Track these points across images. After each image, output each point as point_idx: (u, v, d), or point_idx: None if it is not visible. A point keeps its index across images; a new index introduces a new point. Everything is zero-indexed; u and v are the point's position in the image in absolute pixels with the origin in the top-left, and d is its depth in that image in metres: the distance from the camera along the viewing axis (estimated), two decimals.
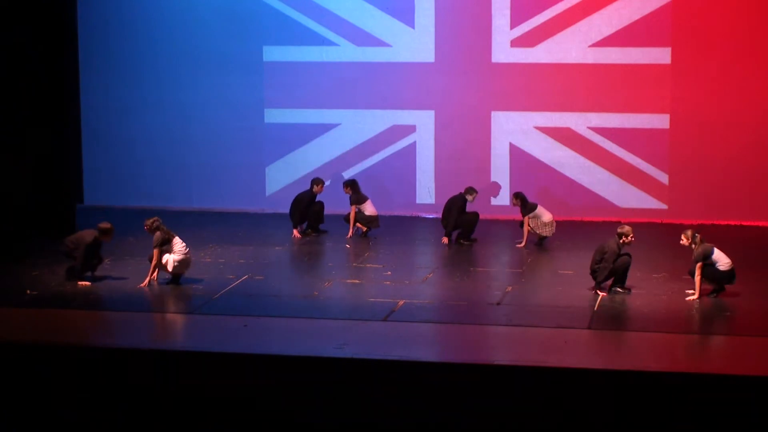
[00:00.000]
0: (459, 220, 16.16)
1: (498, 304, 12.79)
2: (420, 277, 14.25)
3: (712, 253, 12.81)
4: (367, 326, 11.99)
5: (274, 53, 18.48)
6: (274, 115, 18.62)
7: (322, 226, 16.92)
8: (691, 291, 12.88)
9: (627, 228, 13.16)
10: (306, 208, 16.71)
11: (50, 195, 16.49)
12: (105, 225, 13.66)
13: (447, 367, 10.61)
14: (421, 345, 11.43)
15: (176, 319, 12.61)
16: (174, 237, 13.51)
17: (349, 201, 16.70)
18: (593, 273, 13.18)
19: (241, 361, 10.75)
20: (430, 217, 18.17)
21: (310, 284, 13.93)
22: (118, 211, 17.43)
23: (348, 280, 14.14)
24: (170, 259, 13.43)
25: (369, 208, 16.67)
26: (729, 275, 12.89)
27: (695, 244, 12.89)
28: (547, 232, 15.93)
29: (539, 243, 15.99)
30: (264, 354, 10.92)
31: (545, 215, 15.94)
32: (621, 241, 13.07)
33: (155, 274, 13.47)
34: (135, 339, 11.92)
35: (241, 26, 18.45)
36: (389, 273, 14.31)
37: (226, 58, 18.53)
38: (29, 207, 16.24)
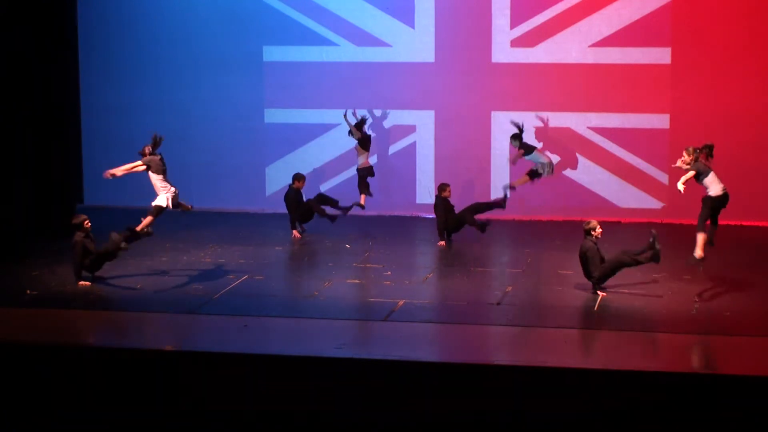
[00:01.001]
0: (451, 220, 16.14)
1: (498, 304, 12.79)
2: (420, 277, 14.25)
3: (705, 174, 12.88)
4: (367, 326, 11.99)
5: (274, 53, 18.48)
6: (274, 115, 18.62)
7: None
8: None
9: (593, 222, 13.23)
10: (296, 206, 16.72)
11: (50, 195, 16.50)
12: (75, 219, 13.71)
13: (447, 367, 10.61)
14: (421, 345, 11.43)
15: (176, 319, 12.60)
16: (164, 173, 13.76)
17: (360, 144, 17.04)
18: (589, 277, 13.17)
19: (241, 361, 10.75)
20: (430, 217, 18.13)
21: (310, 284, 13.93)
22: (119, 211, 17.41)
23: (348, 280, 14.14)
24: (160, 200, 13.58)
25: (363, 160, 16.97)
26: (720, 200, 12.95)
27: (696, 160, 12.96)
28: (546, 172, 16.17)
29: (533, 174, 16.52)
30: (264, 354, 10.92)
31: (542, 157, 16.18)
32: (593, 236, 13.09)
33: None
34: (135, 339, 11.94)
35: (241, 26, 18.46)
36: (389, 273, 14.31)
37: (226, 58, 18.53)
38: (29, 207, 16.25)
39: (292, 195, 16.79)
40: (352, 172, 17.94)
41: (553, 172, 16.63)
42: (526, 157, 16.57)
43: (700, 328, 11.98)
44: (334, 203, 16.97)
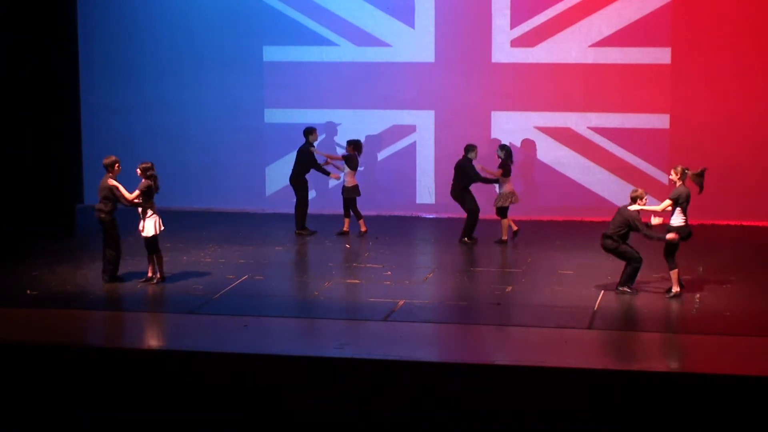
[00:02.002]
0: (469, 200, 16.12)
1: (498, 304, 12.79)
2: (420, 277, 14.25)
3: (682, 203, 12.80)
4: (367, 326, 11.99)
5: (274, 53, 18.48)
6: (274, 115, 18.62)
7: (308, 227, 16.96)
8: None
9: (640, 191, 13.12)
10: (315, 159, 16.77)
11: (50, 195, 16.49)
12: (106, 159, 13.62)
13: (447, 367, 10.61)
14: (421, 345, 11.43)
15: (176, 319, 12.60)
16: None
17: (346, 161, 16.62)
18: (608, 237, 13.01)
19: (241, 361, 10.75)
20: (430, 217, 18.16)
21: (310, 284, 13.94)
22: (118, 211, 17.38)
23: (348, 280, 14.14)
24: (153, 225, 13.49)
25: (350, 179, 16.70)
26: (686, 231, 12.89)
27: (682, 181, 12.89)
28: (506, 202, 15.99)
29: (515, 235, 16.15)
30: (264, 354, 10.93)
31: (506, 185, 16.02)
32: (637, 204, 12.98)
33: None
34: (135, 339, 11.94)
35: (241, 26, 18.45)
36: (389, 273, 14.30)
37: (226, 58, 18.53)
38: (29, 207, 16.24)
39: (308, 150, 16.70)
40: None
41: (516, 200, 16.24)
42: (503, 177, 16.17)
43: (700, 328, 11.98)
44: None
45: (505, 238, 16.15)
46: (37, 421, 10.62)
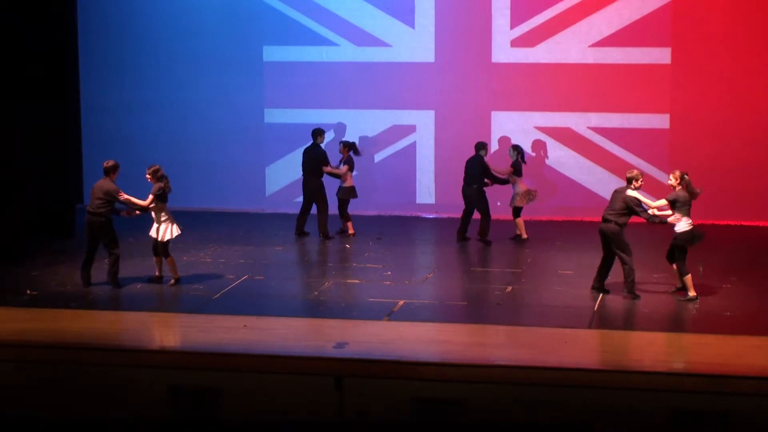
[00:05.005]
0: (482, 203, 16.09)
1: (498, 304, 12.79)
2: (420, 277, 14.26)
3: (682, 207, 12.62)
4: (367, 326, 11.99)
5: (274, 53, 18.49)
6: (274, 115, 18.63)
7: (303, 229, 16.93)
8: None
9: (636, 172, 12.86)
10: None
11: (50, 195, 16.50)
12: (107, 163, 13.62)
13: (447, 367, 10.61)
14: (421, 345, 11.43)
15: (176, 319, 12.61)
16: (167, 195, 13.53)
17: (344, 161, 16.61)
18: (610, 221, 12.88)
19: (241, 361, 10.75)
20: (430, 217, 18.16)
21: (310, 284, 13.94)
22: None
23: (348, 280, 14.14)
24: (170, 230, 13.46)
25: (348, 180, 16.68)
26: (687, 236, 12.74)
27: (681, 185, 12.66)
28: (523, 202, 15.97)
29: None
30: (264, 354, 10.93)
31: (519, 186, 16.03)
32: (632, 186, 12.79)
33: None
34: (135, 339, 11.93)
35: (241, 26, 18.47)
36: (389, 273, 14.31)
37: (226, 58, 18.55)
38: (29, 207, 16.25)
39: (321, 151, 16.61)
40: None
41: (535, 197, 16.26)
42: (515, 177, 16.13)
43: (700, 328, 11.98)
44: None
45: (526, 236, 16.13)
46: (36, 422, 10.62)
